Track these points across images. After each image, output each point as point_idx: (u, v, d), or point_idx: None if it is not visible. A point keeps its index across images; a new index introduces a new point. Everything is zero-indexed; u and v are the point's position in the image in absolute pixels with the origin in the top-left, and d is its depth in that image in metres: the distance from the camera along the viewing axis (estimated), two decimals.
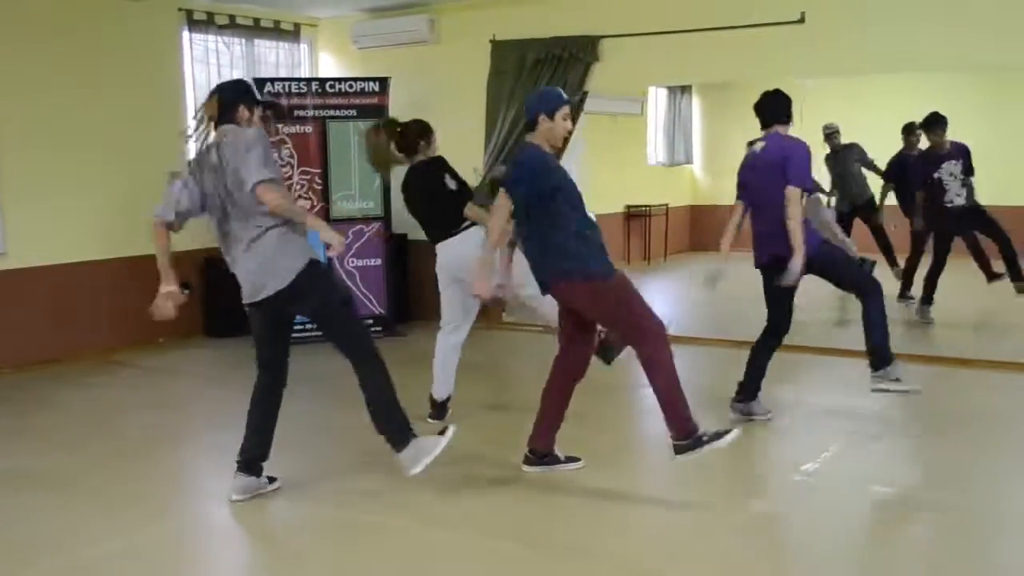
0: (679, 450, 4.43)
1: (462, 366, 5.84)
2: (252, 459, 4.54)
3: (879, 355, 5.41)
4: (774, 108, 5.41)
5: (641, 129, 14.03)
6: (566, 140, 5.07)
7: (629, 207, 13.28)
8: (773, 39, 7.22)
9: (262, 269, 4.33)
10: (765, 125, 5.42)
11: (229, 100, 4.46)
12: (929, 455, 5.31)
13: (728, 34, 7.37)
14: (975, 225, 8.70)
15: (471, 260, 5.05)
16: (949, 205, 8.51)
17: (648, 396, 6.68)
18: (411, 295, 8.97)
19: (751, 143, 5.56)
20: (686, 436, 4.40)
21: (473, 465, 4.97)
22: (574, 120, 7.99)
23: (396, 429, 4.48)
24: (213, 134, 4.44)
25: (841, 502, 4.52)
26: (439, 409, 5.81)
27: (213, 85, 8.48)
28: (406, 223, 8.81)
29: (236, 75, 8.88)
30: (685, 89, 14.52)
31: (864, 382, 6.29)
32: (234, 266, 4.42)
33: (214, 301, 8.39)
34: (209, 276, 8.35)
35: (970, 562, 3.89)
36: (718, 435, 4.42)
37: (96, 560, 3.96)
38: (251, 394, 4.59)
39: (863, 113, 11.44)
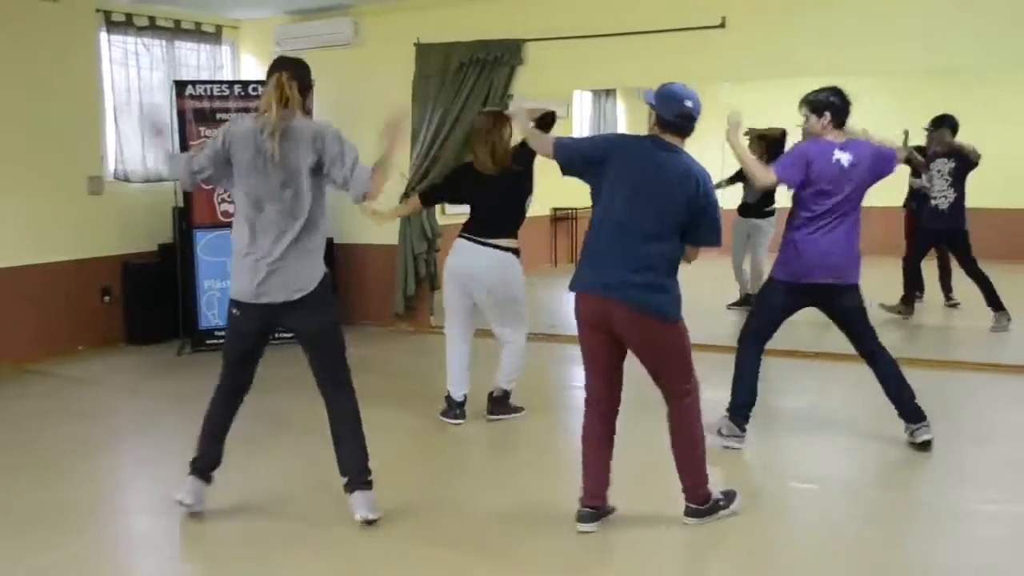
0: (695, 514, 4.24)
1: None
2: (209, 466, 4.37)
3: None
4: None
5: (567, 132, 14.07)
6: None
7: (555, 209, 13.34)
8: (695, 43, 7.32)
9: (298, 268, 4.17)
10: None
11: (308, 84, 4.28)
12: (853, 452, 5.40)
13: (651, 38, 7.46)
14: (951, 248, 8.77)
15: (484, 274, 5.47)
16: (933, 202, 8.61)
17: (565, 395, 6.73)
18: (346, 301, 8.90)
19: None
20: (704, 501, 4.23)
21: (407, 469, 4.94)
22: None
23: (363, 468, 4.31)
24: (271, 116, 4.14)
25: (762, 496, 4.58)
26: (456, 407, 5.82)
27: (133, 87, 8.46)
28: (333, 227, 8.76)
29: (157, 77, 8.72)
30: (610, 92, 14.64)
31: (792, 381, 6.41)
32: (265, 258, 4.16)
33: (136, 307, 8.23)
34: (130, 282, 8.19)
35: (898, 557, 3.98)
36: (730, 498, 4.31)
37: (86, 551, 3.91)
38: (214, 397, 4.38)
39: (784, 117, 11.60)
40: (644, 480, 4.74)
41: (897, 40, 6.83)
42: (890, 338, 5.67)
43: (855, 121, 5.23)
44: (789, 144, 9.40)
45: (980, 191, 9.06)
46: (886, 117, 9.02)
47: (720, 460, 5.01)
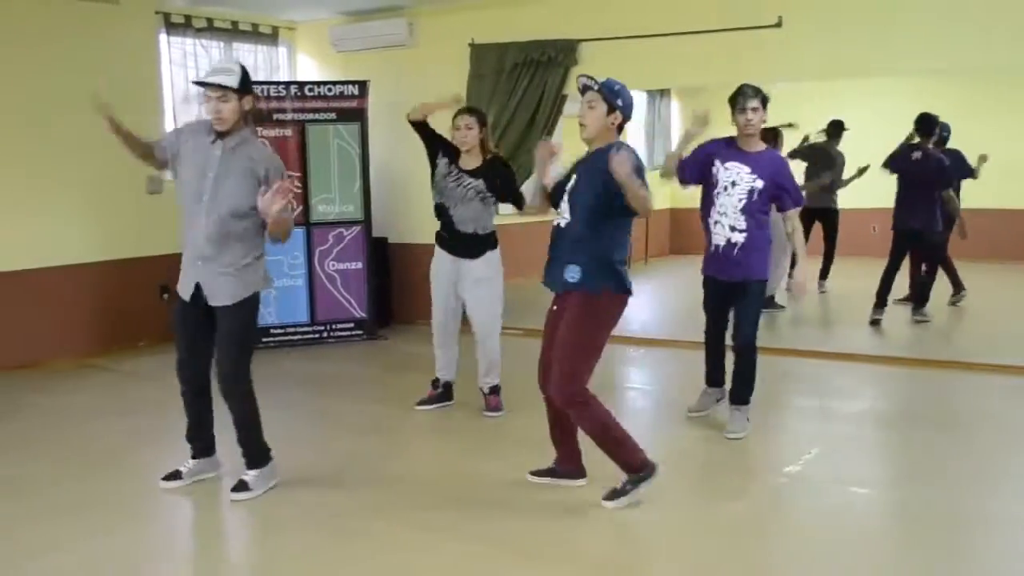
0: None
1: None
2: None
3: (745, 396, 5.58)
4: None
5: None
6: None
7: None
8: (751, 43, 7.24)
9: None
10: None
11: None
12: (912, 457, 5.34)
13: (706, 38, 7.40)
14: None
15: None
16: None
17: (629, 398, 6.72)
18: (392, 298, 8.96)
19: None
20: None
21: (448, 467, 4.96)
22: (554, 124, 8.14)
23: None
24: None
25: (822, 503, 4.54)
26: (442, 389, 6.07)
27: (192, 88, 8.56)
28: (386, 227, 8.83)
29: None
30: (664, 92, 14.56)
31: (847, 385, 6.35)
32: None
33: None
34: None
35: (950, 562, 3.92)
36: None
37: (52, 569, 3.91)
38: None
39: (841, 117, 11.46)
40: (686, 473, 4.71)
41: (950, 37, 6.70)
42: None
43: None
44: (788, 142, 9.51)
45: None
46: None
47: (783, 464, 4.97)
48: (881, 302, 8.70)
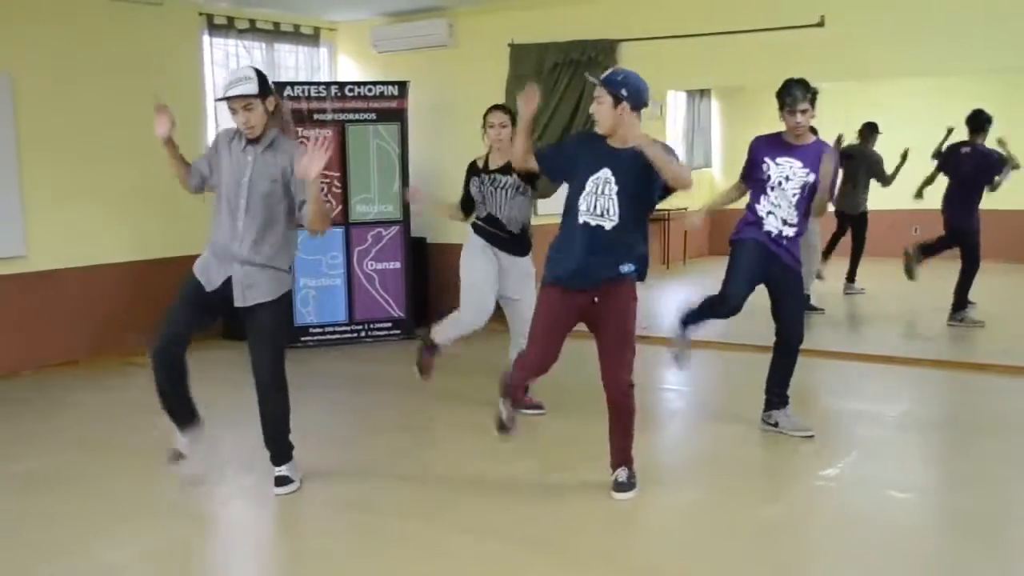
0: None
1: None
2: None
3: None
4: None
5: (660, 132, 13.99)
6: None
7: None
8: (792, 43, 7.19)
9: None
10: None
11: None
12: (951, 461, 5.28)
13: (747, 38, 7.35)
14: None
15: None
16: None
17: (666, 399, 6.70)
18: (430, 298, 8.99)
19: None
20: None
21: (482, 465, 4.97)
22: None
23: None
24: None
25: (861, 508, 4.49)
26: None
27: None
28: (425, 226, 8.86)
29: None
30: (704, 93, 14.48)
31: (886, 387, 6.29)
32: None
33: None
34: None
35: (992, 569, 3.87)
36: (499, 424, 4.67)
37: (114, 563, 3.98)
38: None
39: (883, 117, 11.33)
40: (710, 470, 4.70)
41: (992, 38, 6.61)
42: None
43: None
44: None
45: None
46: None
47: (821, 467, 4.93)
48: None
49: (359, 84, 8.49)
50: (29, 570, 3.92)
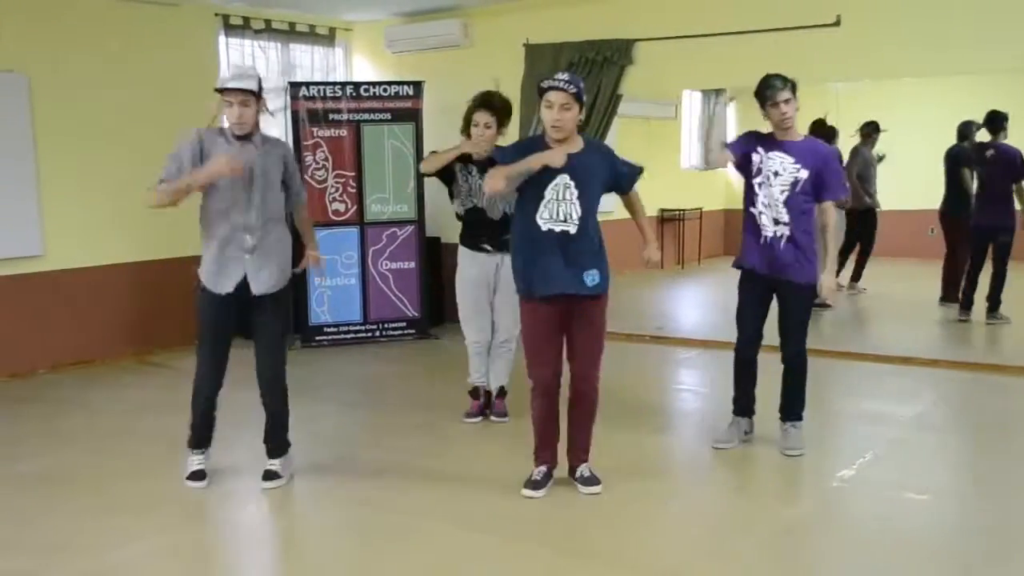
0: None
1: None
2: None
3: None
4: None
5: (675, 133, 13.97)
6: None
7: (663, 211, 13.22)
8: (808, 42, 7.15)
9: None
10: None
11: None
12: (968, 462, 5.25)
13: (763, 37, 7.32)
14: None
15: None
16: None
17: (682, 399, 6.68)
18: (444, 298, 8.99)
19: None
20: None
21: (495, 464, 4.97)
22: (609, 124, 8.11)
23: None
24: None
25: (878, 509, 4.47)
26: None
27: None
28: (439, 226, 8.87)
29: (272, 79, 8.95)
30: (719, 92, 14.44)
31: (902, 389, 6.27)
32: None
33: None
34: None
35: (1008, 573, 3.85)
36: (528, 482, 4.59)
37: (125, 562, 3.99)
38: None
39: (899, 117, 11.31)
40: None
41: (1011, 37, 6.56)
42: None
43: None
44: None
45: None
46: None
47: (837, 468, 4.92)
48: (967, 303, 8.68)
49: (374, 84, 8.50)
50: (40, 568, 3.93)
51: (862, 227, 10.09)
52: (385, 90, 8.43)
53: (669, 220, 13.41)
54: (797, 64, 7.31)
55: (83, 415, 6.29)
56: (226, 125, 4.59)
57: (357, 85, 8.49)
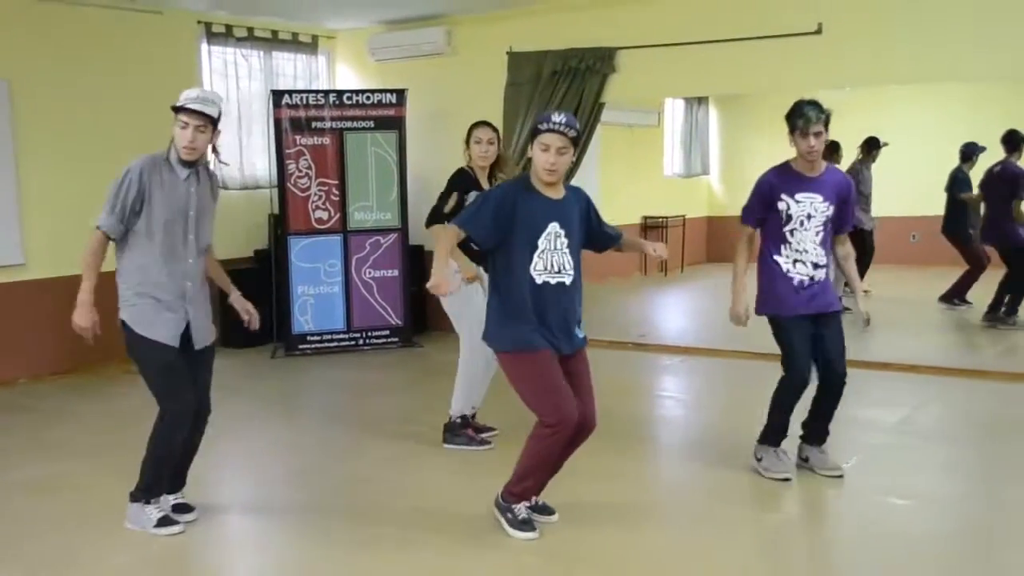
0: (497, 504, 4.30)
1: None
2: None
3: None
4: None
5: (658, 140, 14.02)
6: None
7: (646, 218, 13.26)
8: (790, 50, 7.20)
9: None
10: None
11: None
12: (953, 468, 5.27)
13: (745, 45, 7.36)
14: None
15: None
16: None
17: (665, 407, 6.69)
18: (428, 306, 8.98)
19: None
20: (506, 497, 4.26)
21: (481, 472, 4.96)
22: (592, 132, 8.12)
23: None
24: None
25: (861, 514, 4.49)
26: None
27: (231, 97, 8.67)
28: (423, 234, 8.85)
29: (255, 87, 8.94)
30: (702, 100, 14.51)
31: (886, 394, 6.29)
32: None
33: (232, 311, 8.39)
34: None
35: (986, 572, 3.86)
36: (521, 523, 4.21)
37: (116, 572, 3.98)
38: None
39: (881, 124, 11.36)
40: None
41: (994, 45, 6.62)
42: None
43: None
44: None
45: None
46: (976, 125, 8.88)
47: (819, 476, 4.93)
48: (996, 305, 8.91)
49: (357, 92, 8.50)
50: None
51: (859, 248, 10.15)
52: (368, 98, 8.43)
53: (652, 227, 13.44)
54: (779, 72, 7.40)
55: (70, 425, 6.26)
56: (173, 156, 4.27)
57: (340, 93, 8.49)
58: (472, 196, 5.30)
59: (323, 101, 8.35)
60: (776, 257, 4.80)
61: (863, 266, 10.31)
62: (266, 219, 8.73)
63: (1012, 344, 8.37)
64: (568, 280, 4.13)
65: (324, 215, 8.31)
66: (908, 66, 7.02)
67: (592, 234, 4.31)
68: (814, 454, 5.02)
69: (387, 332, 8.54)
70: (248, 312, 4.58)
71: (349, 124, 8.36)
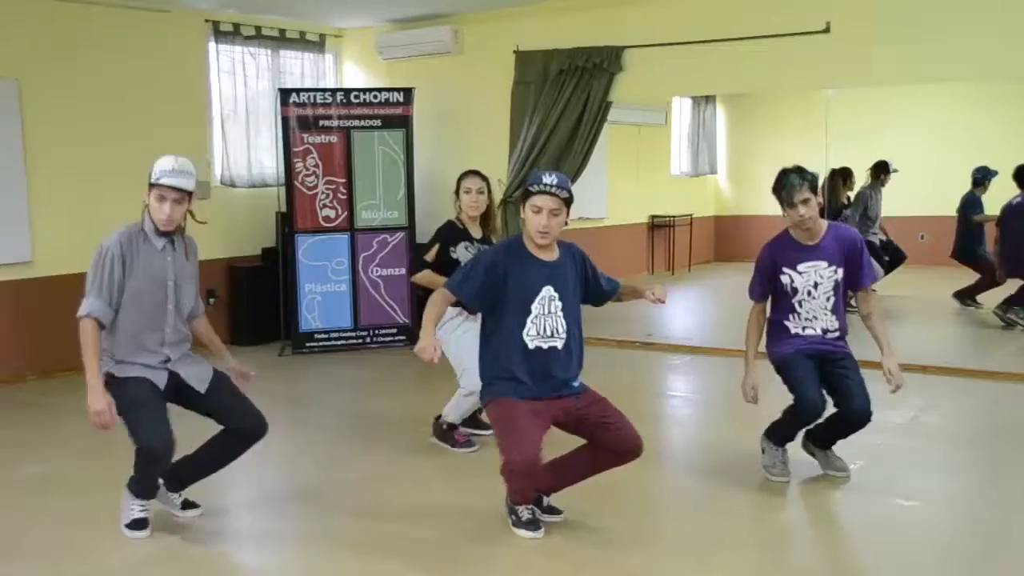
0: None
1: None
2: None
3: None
4: None
5: (665, 139, 14.00)
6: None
7: (653, 217, 13.24)
8: (798, 49, 7.18)
9: None
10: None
11: None
12: (961, 470, 5.26)
13: (753, 44, 7.34)
14: None
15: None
16: None
17: (672, 406, 6.68)
18: None
19: None
20: (509, 500, 4.22)
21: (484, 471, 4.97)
22: (599, 130, 8.12)
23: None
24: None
25: (868, 516, 4.47)
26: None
27: (239, 95, 8.68)
28: (429, 233, 8.85)
29: (262, 86, 8.95)
30: (709, 99, 14.47)
31: (894, 395, 6.25)
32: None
33: (239, 309, 8.46)
34: (235, 285, 8.43)
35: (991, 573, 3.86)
36: (525, 523, 4.18)
37: (122, 567, 3.99)
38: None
39: (889, 124, 11.34)
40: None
41: (1003, 45, 6.60)
42: None
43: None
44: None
45: None
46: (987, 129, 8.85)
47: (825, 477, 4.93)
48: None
49: (364, 91, 8.51)
50: (37, 573, 3.93)
51: (878, 258, 10.14)
52: (375, 97, 8.43)
53: (659, 227, 13.42)
54: (787, 70, 7.38)
55: (74, 421, 6.23)
56: (148, 226, 4.30)
57: (347, 91, 8.49)
58: (460, 248, 5.38)
59: (330, 100, 8.35)
60: (785, 322, 4.76)
61: (888, 270, 10.30)
62: (273, 217, 8.74)
63: (1022, 345, 8.35)
64: (560, 344, 4.09)
65: (331, 213, 8.32)
66: (917, 65, 7.00)
67: (590, 291, 4.28)
68: (821, 455, 5.02)
69: (394, 330, 8.54)
70: (245, 376, 4.52)
71: (356, 123, 8.36)
